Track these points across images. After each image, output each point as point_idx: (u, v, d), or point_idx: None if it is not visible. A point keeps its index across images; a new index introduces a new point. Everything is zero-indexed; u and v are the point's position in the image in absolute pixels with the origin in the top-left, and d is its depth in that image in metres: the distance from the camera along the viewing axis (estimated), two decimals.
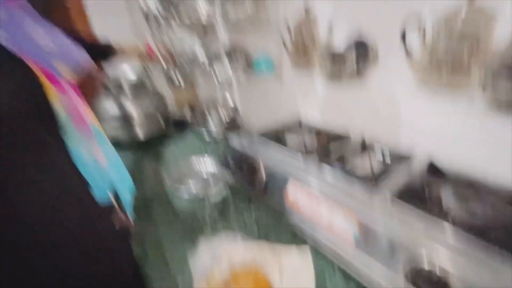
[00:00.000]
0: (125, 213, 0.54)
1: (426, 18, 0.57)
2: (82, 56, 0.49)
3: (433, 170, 0.56)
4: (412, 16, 0.57)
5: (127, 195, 0.55)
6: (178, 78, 1.18)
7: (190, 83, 1.40)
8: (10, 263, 0.36)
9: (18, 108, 0.36)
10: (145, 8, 1.02)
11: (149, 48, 1.02)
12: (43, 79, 0.39)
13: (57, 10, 0.61)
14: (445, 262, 0.36)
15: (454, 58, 0.54)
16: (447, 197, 0.48)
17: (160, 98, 1.17)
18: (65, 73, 0.44)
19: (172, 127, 1.23)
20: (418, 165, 0.59)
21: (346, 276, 0.46)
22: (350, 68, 0.74)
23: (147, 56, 1.02)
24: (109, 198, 0.50)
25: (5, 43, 0.35)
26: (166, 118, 1.18)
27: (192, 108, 1.34)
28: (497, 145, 0.54)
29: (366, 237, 0.44)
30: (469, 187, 0.50)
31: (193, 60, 1.14)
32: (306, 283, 0.46)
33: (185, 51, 1.17)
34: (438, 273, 0.35)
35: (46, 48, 0.41)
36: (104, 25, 1.34)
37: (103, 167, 0.49)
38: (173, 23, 0.97)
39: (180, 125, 1.26)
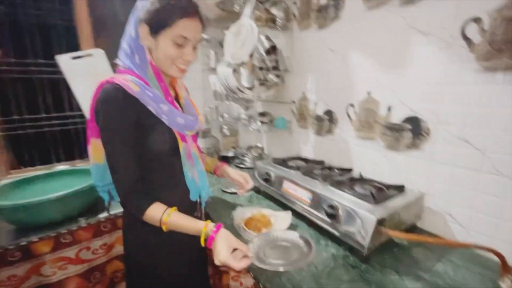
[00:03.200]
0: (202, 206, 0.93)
1: (355, 105, 1.17)
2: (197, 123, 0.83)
3: (360, 176, 1.08)
4: (349, 103, 1.19)
5: (206, 196, 0.92)
6: (226, 129, 1.90)
7: (235, 132, 2.11)
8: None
9: (166, 149, 0.76)
10: (213, 88, 1.79)
11: None
12: (177, 135, 0.78)
13: None
14: (341, 203, 0.87)
15: (367, 120, 1.12)
16: (357, 186, 0.99)
17: (215, 140, 1.85)
18: (188, 132, 0.82)
19: (220, 159, 1.87)
20: (356, 174, 1.11)
21: (304, 219, 0.98)
22: (326, 127, 1.34)
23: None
24: (196, 197, 0.86)
25: (166, 121, 0.75)
26: (217, 153, 1.84)
27: (234, 149, 2.00)
28: (390, 167, 1.06)
29: (314, 199, 0.97)
30: (371, 183, 1.01)
31: (238, 118, 1.85)
32: (286, 224, 0.98)
33: (233, 114, 1.90)
34: (334, 205, 0.87)
35: (180, 122, 0.77)
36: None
37: (196, 180, 0.85)
38: (230, 98, 1.69)
39: (225, 159, 1.90)
